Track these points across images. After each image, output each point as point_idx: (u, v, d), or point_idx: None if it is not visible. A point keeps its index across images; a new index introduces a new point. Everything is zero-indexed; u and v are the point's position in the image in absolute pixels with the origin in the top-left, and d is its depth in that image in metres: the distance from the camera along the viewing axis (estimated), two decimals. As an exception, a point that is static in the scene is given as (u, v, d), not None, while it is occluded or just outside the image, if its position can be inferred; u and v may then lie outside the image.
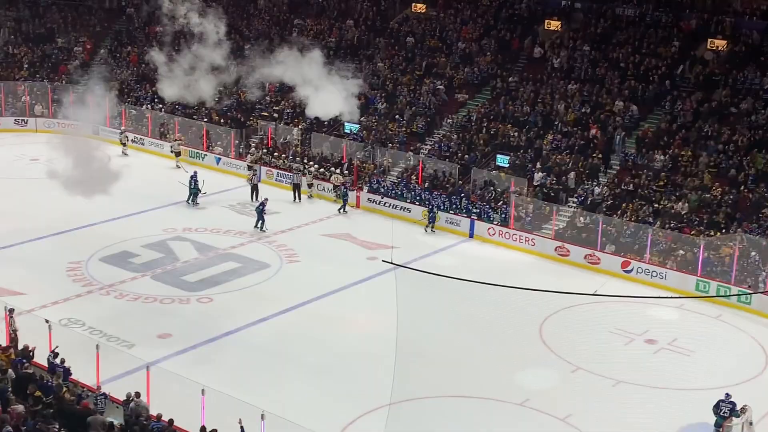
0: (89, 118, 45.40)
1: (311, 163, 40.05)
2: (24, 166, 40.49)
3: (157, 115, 46.07)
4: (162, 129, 45.26)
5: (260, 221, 34.72)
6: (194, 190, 37.40)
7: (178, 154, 42.82)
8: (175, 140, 43.39)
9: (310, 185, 39.02)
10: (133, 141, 45.32)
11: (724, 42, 39.10)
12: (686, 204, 33.20)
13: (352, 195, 37.82)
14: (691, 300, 29.56)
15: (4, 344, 22.77)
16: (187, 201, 37.33)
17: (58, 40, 52.47)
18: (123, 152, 44.06)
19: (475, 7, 46.56)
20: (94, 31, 53.56)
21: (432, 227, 35.42)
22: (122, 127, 45.37)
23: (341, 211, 37.25)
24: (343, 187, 37.59)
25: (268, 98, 44.92)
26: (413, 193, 37.31)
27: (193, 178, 37.52)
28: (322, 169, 39.67)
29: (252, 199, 38.09)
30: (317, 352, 25.39)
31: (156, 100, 46.39)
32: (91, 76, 50.07)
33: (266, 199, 35.47)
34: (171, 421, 18.79)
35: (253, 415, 18.35)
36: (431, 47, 45.29)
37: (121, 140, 44.60)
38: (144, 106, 47.05)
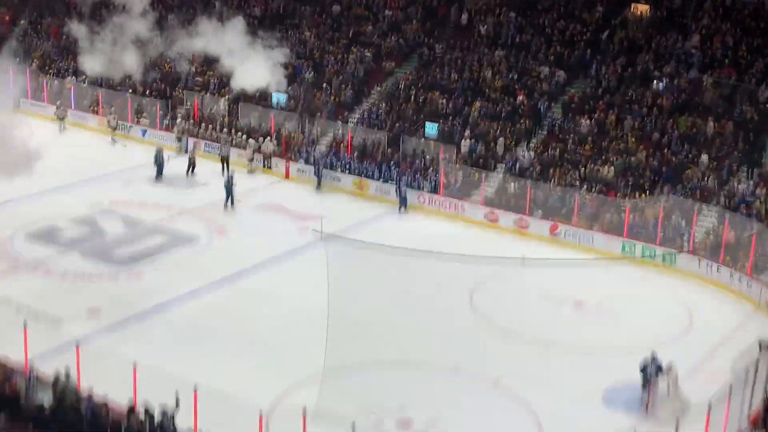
0: (9, 92, 44.33)
1: (242, 135, 39.66)
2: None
3: (80, 88, 45.09)
4: (92, 105, 44.16)
5: (229, 198, 34.13)
6: (159, 166, 36.89)
7: (114, 128, 41.94)
8: (111, 114, 42.48)
9: (250, 160, 38.45)
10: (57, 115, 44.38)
11: (646, 7, 39.63)
12: (612, 168, 33.75)
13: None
14: (617, 262, 30.15)
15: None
16: (157, 177, 36.85)
17: (-26, 11, 51.05)
18: (62, 128, 43.05)
19: (401, -26, 46.36)
20: (12, 2, 52.11)
21: (405, 208, 34.78)
22: (58, 102, 44.01)
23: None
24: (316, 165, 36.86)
25: (193, 69, 44.27)
26: (342, 162, 37.24)
27: (159, 154, 37.07)
28: (251, 140, 39.32)
29: (188, 174, 37.53)
30: (249, 324, 25.35)
31: (78, 73, 45.38)
32: (11, 49, 48.86)
33: (233, 171, 35.14)
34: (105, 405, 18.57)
35: (186, 389, 18.27)
36: (357, 15, 45.06)
37: (58, 115, 43.32)
38: (66, 79, 46.02)
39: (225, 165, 38.04)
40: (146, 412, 18.25)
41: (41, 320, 24.57)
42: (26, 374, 19.83)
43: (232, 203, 34.13)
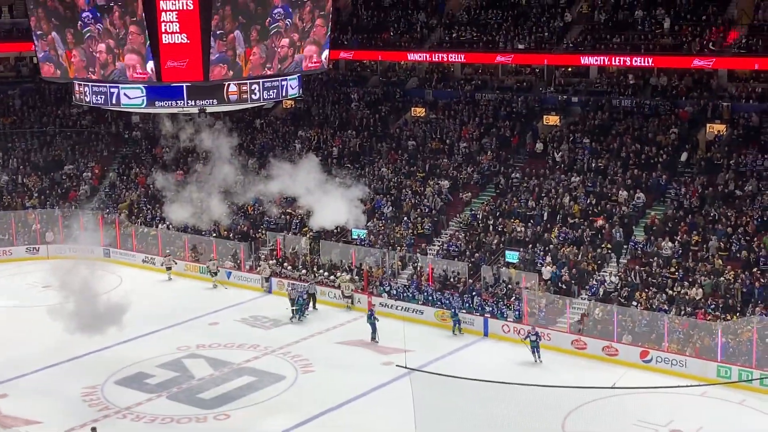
0: (100, 242, 45.91)
1: (324, 272, 40.10)
2: (36, 293, 40.59)
3: (167, 234, 46.17)
4: (194, 252, 44.62)
5: (375, 332, 34.55)
6: (300, 306, 37.30)
7: (214, 274, 42.33)
8: (210, 260, 43.04)
9: (348, 297, 38.43)
10: (144, 261, 45.53)
11: (722, 126, 39.55)
12: (700, 289, 33.04)
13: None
14: (713, 387, 29.16)
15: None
16: (293, 318, 37.12)
17: (66, 167, 53.28)
18: (169, 277, 43.48)
19: (473, 107, 47.32)
20: (102, 155, 54.43)
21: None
22: (167, 251, 44.63)
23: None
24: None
25: (275, 210, 45.22)
26: (425, 294, 37.24)
27: (301, 295, 37.59)
28: (332, 277, 39.70)
29: (313, 308, 37.87)
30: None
31: (165, 220, 46.65)
32: (101, 200, 50.75)
33: (373, 306, 35.76)
34: None
35: None
36: (433, 149, 45.87)
37: (165, 265, 43.73)
38: (154, 226, 47.31)
39: (312, 302, 38.29)
40: None
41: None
42: None
43: (376, 338, 34.47)
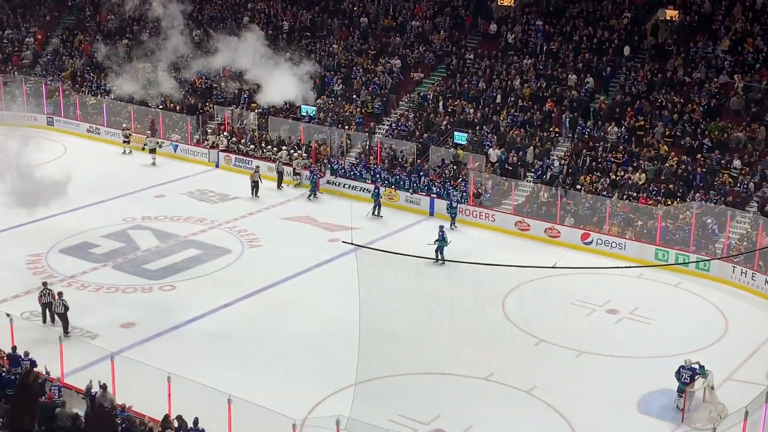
0: (43, 110, 45.00)
1: (272, 148, 39.87)
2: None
3: (112, 104, 45.29)
4: (152, 125, 43.37)
5: (377, 207, 34.69)
6: (314, 184, 36.91)
7: (153, 150, 41.24)
8: (150, 137, 41.94)
9: (297, 174, 38.31)
10: (88, 131, 44.79)
11: (675, 12, 39.41)
12: (644, 174, 33.55)
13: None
14: (650, 269, 29.94)
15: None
16: (309, 197, 36.84)
17: (7, 31, 51.67)
18: (125, 151, 42.50)
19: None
20: (45, 21, 52.81)
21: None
22: (123, 125, 43.27)
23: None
24: (311, 174, 36.73)
25: (223, 84, 44.53)
26: (372, 173, 37.32)
27: (312, 172, 37.14)
28: (301, 152, 39.34)
29: (252, 195, 36.95)
30: (281, 335, 25.45)
31: (110, 90, 45.74)
32: (44, 67, 49.49)
33: (379, 183, 35.68)
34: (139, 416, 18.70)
35: (220, 401, 18.36)
36: (385, 27, 45.21)
37: (124, 138, 42.56)
38: (99, 96, 46.40)
39: (280, 179, 38.07)
40: (180, 423, 18.36)
41: (77, 334, 24.85)
42: (62, 386, 20.02)
43: (379, 212, 34.82)
